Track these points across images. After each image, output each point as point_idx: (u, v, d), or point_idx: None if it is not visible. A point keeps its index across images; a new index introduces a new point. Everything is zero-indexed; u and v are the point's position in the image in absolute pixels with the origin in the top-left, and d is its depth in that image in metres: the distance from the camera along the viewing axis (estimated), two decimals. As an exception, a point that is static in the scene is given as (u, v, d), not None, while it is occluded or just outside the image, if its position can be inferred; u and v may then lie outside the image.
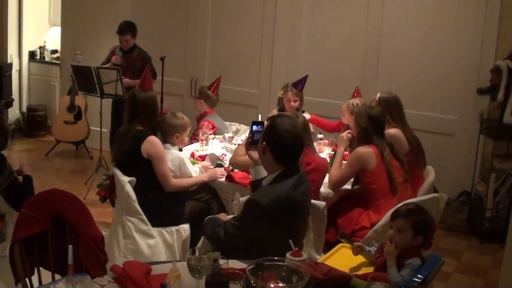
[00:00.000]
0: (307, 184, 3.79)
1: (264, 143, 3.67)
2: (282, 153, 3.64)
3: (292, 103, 6.39)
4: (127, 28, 7.98)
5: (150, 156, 4.97)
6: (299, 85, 6.48)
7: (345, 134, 5.41)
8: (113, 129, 8.07)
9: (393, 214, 3.60)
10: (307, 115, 6.33)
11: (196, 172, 5.33)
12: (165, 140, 5.23)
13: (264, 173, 3.84)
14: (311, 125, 5.92)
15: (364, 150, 4.97)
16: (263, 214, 3.46)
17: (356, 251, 3.73)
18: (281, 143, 3.61)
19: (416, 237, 3.39)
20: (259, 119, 4.08)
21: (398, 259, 3.36)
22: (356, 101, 6.14)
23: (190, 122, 5.46)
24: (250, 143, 3.96)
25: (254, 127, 3.95)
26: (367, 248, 3.73)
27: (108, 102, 8.15)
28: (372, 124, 5.01)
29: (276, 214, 3.48)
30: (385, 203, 4.83)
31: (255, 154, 3.90)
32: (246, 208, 3.56)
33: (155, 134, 5.12)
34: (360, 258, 3.75)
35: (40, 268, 3.52)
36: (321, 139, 6.31)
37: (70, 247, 2.84)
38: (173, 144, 5.28)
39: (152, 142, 5.00)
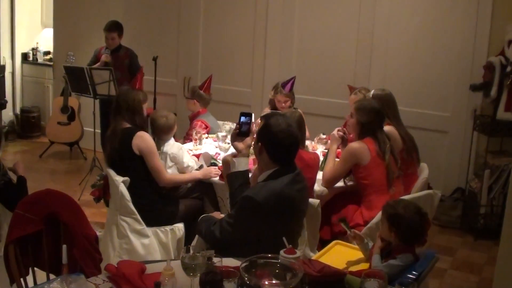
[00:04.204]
0: (304, 184, 3.79)
1: (259, 143, 3.68)
2: (278, 154, 3.64)
3: (283, 104, 6.38)
4: (114, 26, 7.99)
5: (141, 151, 4.98)
6: (287, 86, 6.46)
7: (336, 132, 5.40)
8: (103, 130, 8.08)
9: None
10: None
11: (192, 162, 5.38)
12: (165, 138, 5.36)
13: (244, 166, 3.86)
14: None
15: (357, 145, 4.96)
16: (258, 209, 3.46)
17: (351, 237, 3.74)
18: (277, 144, 3.61)
19: (390, 231, 3.40)
20: (252, 118, 4.06)
21: (390, 255, 3.37)
22: (360, 89, 6.08)
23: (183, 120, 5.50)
24: (237, 134, 3.95)
25: (242, 118, 3.94)
26: (365, 240, 3.73)
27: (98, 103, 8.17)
28: (376, 117, 5.01)
29: (271, 209, 3.48)
30: (377, 199, 4.82)
31: (240, 145, 3.90)
32: (241, 204, 3.56)
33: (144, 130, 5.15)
34: (355, 255, 3.77)
35: (35, 268, 3.52)
36: (318, 138, 6.26)
37: (64, 246, 2.83)
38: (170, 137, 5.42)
39: (142, 137, 5.01)
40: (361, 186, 5.02)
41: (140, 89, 5.56)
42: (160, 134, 5.32)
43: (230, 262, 2.97)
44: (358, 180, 5.02)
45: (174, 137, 5.54)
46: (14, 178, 4.64)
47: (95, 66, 7.88)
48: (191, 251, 2.80)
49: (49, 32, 10.44)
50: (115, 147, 5.03)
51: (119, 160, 5.04)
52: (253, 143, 3.87)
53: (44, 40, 10.89)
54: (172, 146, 5.33)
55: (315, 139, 6.21)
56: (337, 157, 5.31)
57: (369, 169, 4.91)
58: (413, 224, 3.38)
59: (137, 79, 5.60)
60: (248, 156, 3.92)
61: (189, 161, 5.36)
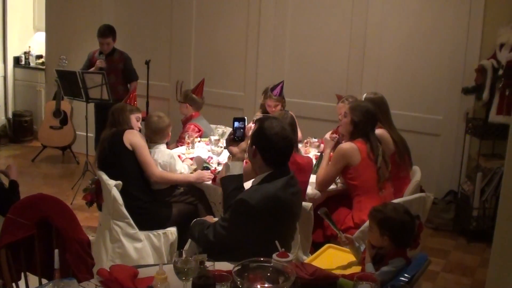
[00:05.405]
0: (298, 187, 3.79)
1: (253, 146, 3.67)
2: (272, 156, 3.64)
3: (273, 108, 6.36)
4: (108, 31, 7.98)
5: (132, 145, 5.09)
6: (275, 90, 6.43)
7: (328, 135, 5.41)
8: (97, 134, 8.07)
9: None
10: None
11: (184, 169, 5.38)
12: (156, 141, 5.38)
13: (238, 170, 3.87)
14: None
15: (347, 146, 4.96)
16: (252, 213, 3.46)
17: (344, 242, 3.73)
18: (271, 147, 3.61)
19: (382, 236, 3.37)
20: (245, 122, 4.07)
21: (383, 260, 3.36)
22: (347, 97, 6.07)
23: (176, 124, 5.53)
24: (232, 140, 3.96)
25: (236, 124, 3.94)
26: (357, 244, 3.72)
27: (92, 107, 8.15)
28: (370, 118, 5.01)
29: (265, 212, 3.48)
30: (367, 201, 4.79)
31: (234, 149, 3.90)
32: (235, 208, 3.55)
33: None
34: (347, 259, 3.76)
35: (27, 272, 3.51)
36: (306, 142, 6.26)
37: (57, 251, 2.83)
38: (161, 142, 5.42)
39: (133, 133, 5.18)
40: (350, 187, 5.03)
41: (134, 105, 5.68)
42: (151, 135, 5.34)
43: (223, 266, 2.96)
44: (347, 181, 5.02)
45: (166, 144, 5.56)
46: (6, 182, 4.63)
47: (90, 70, 7.87)
48: (184, 255, 2.80)
49: (42, 35, 10.42)
50: (106, 147, 5.12)
51: (111, 159, 5.09)
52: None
53: (36, 43, 10.87)
54: (163, 154, 5.31)
55: (304, 142, 6.20)
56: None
57: (359, 170, 4.91)
58: (406, 224, 3.37)
59: (130, 96, 5.82)
60: (243, 160, 3.92)
61: (182, 168, 5.36)
